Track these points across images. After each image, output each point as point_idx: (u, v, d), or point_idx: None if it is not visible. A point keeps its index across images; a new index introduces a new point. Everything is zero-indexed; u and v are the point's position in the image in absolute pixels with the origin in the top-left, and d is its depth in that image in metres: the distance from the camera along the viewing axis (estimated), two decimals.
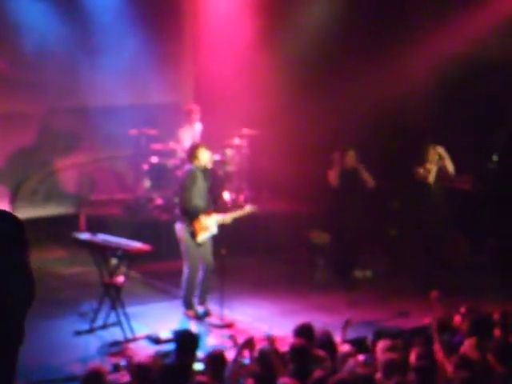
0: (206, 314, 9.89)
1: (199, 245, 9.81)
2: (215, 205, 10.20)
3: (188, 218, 9.77)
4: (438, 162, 11.64)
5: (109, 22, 13.42)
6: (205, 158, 9.95)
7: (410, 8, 13.95)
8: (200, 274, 9.92)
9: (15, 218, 2.87)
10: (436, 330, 7.59)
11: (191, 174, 9.88)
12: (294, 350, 7.01)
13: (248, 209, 10.26)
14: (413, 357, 6.98)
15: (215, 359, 6.82)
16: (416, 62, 13.29)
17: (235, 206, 12.31)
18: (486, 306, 9.28)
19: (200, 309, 9.93)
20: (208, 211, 9.86)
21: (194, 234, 9.75)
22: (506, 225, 12.84)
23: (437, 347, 7.28)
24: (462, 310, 8.41)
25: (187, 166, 10.11)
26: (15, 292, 2.77)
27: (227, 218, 9.98)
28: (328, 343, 7.48)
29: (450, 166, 11.66)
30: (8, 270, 2.77)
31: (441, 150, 11.67)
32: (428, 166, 11.58)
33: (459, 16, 12.93)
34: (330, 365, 7.03)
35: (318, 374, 6.58)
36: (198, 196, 9.82)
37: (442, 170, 11.72)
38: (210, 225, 9.81)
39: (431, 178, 11.61)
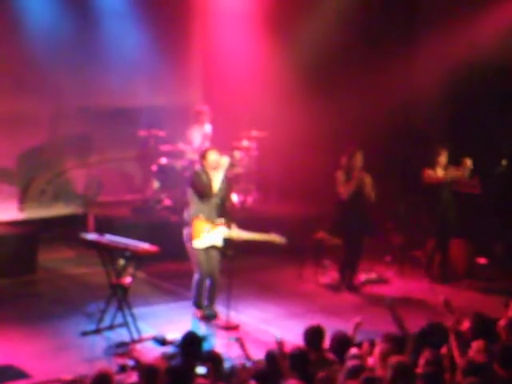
0: (214, 316, 9.88)
1: (205, 252, 9.74)
2: (226, 216, 9.82)
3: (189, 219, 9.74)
4: (448, 168, 11.66)
5: (117, 22, 13.45)
6: (212, 159, 9.78)
7: (415, 14, 14.00)
8: (207, 282, 9.89)
9: None
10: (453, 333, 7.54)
11: (194, 173, 9.85)
12: (293, 356, 6.96)
13: (274, 237, 9.85)
14: (421, 361, 6.92)
15: (216, 361, 6.80)
16: (425, 66, 13.31)
17: (244, 208, 12.08)
18: (494, 309, 9.26)
19: (208, 311, 9.92)
20: (216, 221, 9.72)
21: (190, 237, 9.70)
22: None
23: (454, 349, 7.23)
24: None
25: (196, 167, 10.03)
26: None
27: (243, 235, 9.74)
28: (342, 346, 7.39)
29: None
30: None
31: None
32: (455, 171, 11.56)
33: (465, 21, 12.94)
34: (339, 368, 6.96)
35: (320, 375, 6.54)
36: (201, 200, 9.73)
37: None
38: (210, 233, 9.66)
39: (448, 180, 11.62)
